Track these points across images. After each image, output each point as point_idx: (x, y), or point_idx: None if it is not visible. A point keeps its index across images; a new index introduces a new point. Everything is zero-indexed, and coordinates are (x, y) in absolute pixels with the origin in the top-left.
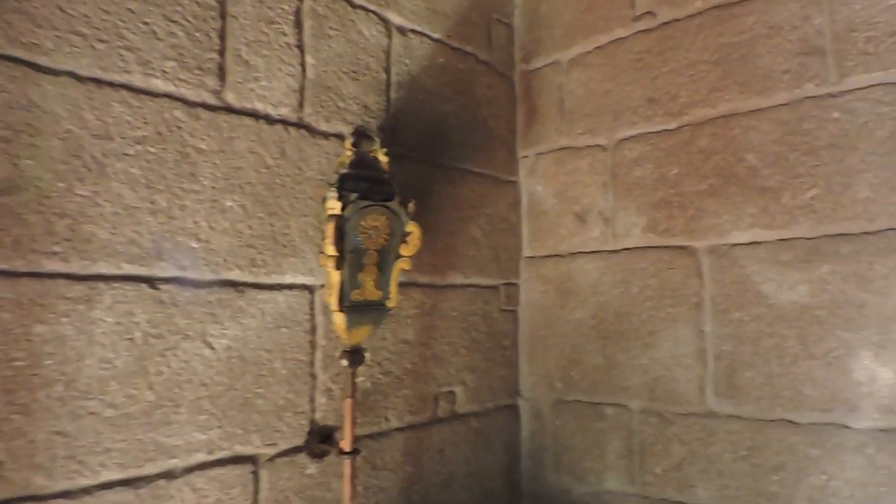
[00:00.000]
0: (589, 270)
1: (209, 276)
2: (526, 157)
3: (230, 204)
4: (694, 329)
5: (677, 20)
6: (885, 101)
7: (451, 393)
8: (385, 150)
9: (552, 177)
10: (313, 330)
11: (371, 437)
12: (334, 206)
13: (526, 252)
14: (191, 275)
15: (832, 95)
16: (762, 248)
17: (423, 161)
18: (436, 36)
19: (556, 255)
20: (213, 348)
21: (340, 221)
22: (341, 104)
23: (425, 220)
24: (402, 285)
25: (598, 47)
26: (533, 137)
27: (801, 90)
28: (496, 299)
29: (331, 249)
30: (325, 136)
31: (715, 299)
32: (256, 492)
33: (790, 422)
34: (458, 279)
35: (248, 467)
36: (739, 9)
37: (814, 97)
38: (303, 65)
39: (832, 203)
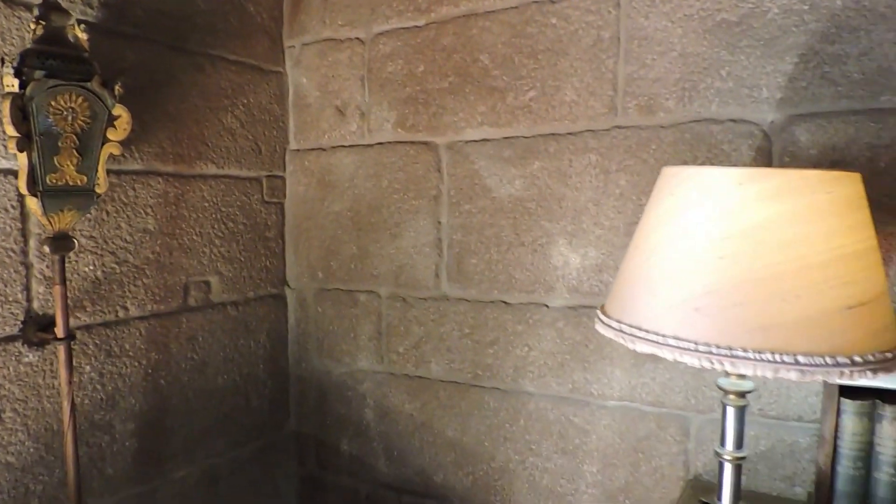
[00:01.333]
0: (347, 164)
1: None
2: (292, 47)
3: None
4: (433, 220)
5: None
6: (592, 10)
7: (206, 283)
8: (84, 25)
9: (315, 69)
10: (24, 217)
11: (106, 325)
12: (11, 84)
13: (292, 145)
14: None
15: (552, 1)
16: (489, 146)
17: (163, 44)
18: None
19: (319, 149)
20: None
21: (21, 100)
22: None
23: (164, 107)
24: (137, 173)
25: None
26: (298, 27)
27: None
28: (258, 191)
29: (10, 130)
30: (27, 7)
31: (450, 192)
32: None
33: (504, 302)
34: (209, 170)
35: None
36: None
37: (538, 2)
38: None
39: (545, 104)
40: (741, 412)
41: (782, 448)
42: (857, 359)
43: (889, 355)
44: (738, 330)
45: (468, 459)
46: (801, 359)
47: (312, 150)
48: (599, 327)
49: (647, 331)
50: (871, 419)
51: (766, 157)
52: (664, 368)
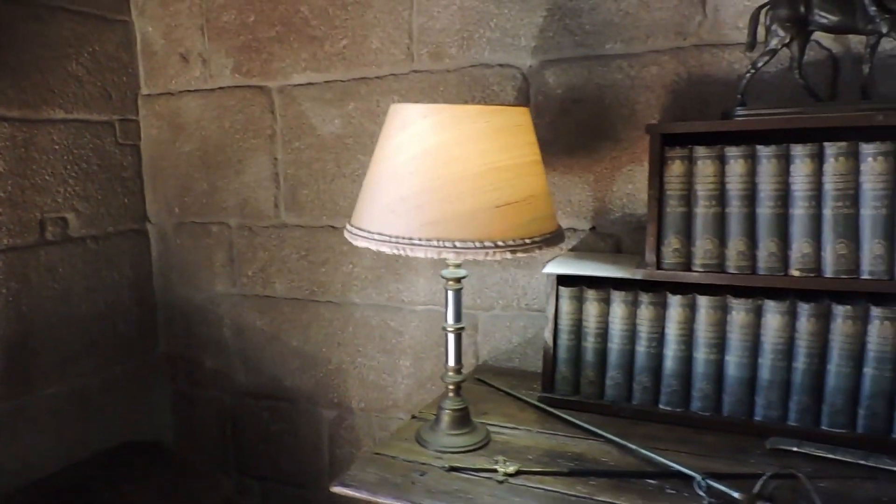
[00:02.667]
0: (193, 108)
1: None
2: None
3: None
4: (270, 157)
5: None
6: None
7: (62, 219)
8: None
9: (160, 18)
10: None
11: None
12: None
13: (143, 90)
14: None
15: None
16: (313, 89)
17: None
18: None
19: (168, 94)
20: None
21: None
22: None
23: (3, 58)
24: None
25: None
26: None
27: None
28: (111, 134)
29: None
30: None
31: (283, 132)
32: None
33: (332, 227)
34: (57, 115)
35: None
36: None
37: None
38: None
39: (356, 52)
40: (458, 294)
41: (542, 334)
42: (500, 243)
43: (527, 241)
44: (416, 224)
45: (310, 364)
46: (457, 244)
47: (162, 94)
48: (345, 233)
49: (363, 230)
50: (580, 301)
51: (525, 95)
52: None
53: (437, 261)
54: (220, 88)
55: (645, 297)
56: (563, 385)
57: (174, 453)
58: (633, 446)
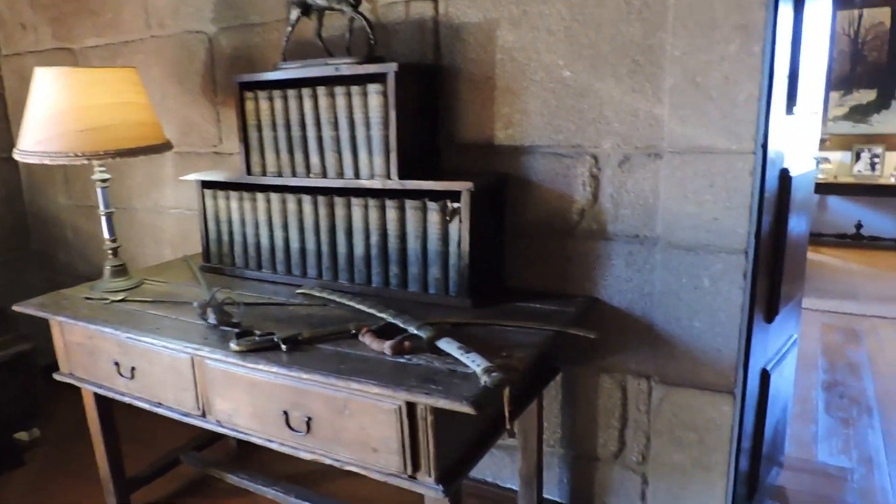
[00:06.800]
0: (32, 65)
1: None
2: None
3: None
4: None
5: None
6: None
7: None
8: None
9: None
10: None
11: None
12: None
13: (3, 51)
14: None
15: None
16: (98, 50)
17: None
18: None
19: (17, 54)
20: None
21: None
22: None
23: None
24: None
25: None
26: None
27: None
28: None
29: None
30: None
31: None
32: None
33: None
34: None
35: None
36: None
37: None
38: None
39: (118, 22)
40: (104, 190)
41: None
42: (74, 154)
43: (124, 150)
44: (59, 143)
45: None
46: (49, 151)
47: (14, 55)
48: (14, 154)
49: (28, 150)
50: (215, 199)
51: (210, 53)
52: (183, 187)
53: (181, 177)
54: (46, 50)
55: (246, 196)
56: (214, 258)
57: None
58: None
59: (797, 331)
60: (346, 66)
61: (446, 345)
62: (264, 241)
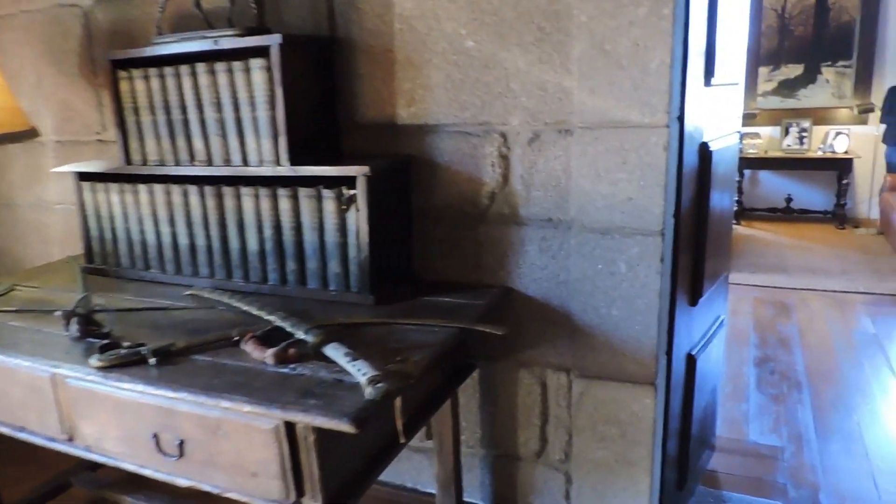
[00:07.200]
0: None
1: None
2: None
3: None
4: None
5: None
6: None
7: None
8: None
9: None
10: None
11: None
12: None
13: None
14: None
15: None
16: None
17: None
18: None
19: None
20: None
21: None
22: None
23: None
24: None
25: None
26: None
27: None
28: None
29: None
30: None
31: None
32: None
33: None
34: None
35: None
36: None
37: None
38: None
39: None
40: None
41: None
42: None
43: None
44: None
45: (2, 253)
46: None
47: None
48: None
49: None
50: (94, 193)
51: (87, 28)
52: (66, 180)
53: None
54: None
55: (127, 188)
56: (98, 258)
57: None
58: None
59: (725, 310)
60: (226, 39)
61: (333, 351)
62: (150, 237)
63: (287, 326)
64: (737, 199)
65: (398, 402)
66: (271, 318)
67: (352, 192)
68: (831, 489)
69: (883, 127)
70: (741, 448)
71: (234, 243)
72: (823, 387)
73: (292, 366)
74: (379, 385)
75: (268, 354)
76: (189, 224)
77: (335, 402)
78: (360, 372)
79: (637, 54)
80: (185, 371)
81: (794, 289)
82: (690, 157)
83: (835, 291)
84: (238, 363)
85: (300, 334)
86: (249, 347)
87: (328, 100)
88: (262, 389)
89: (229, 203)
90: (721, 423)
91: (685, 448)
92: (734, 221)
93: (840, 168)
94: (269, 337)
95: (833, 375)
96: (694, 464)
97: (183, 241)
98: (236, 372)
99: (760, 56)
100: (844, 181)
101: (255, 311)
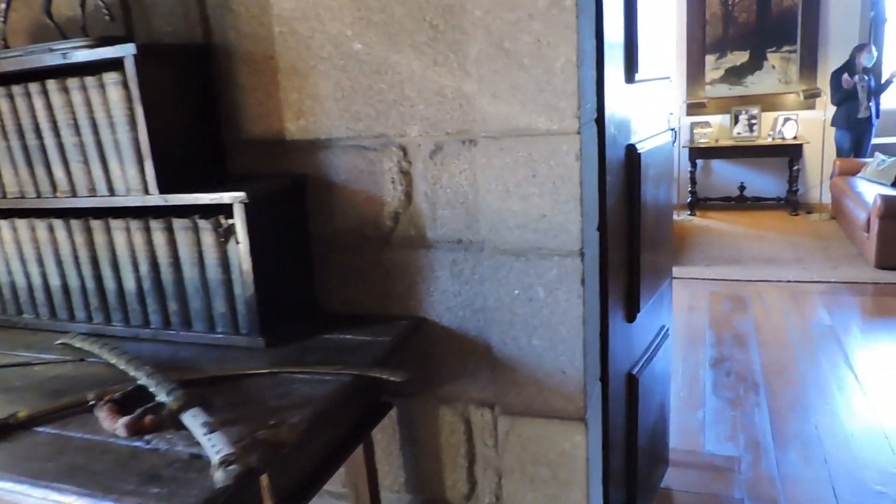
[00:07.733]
0: None
1: None
2: None
3: None
4: None
5: None
6: None
7: None
8: None
9: None
10: None
11: None
12: None
13: None
14: None
15: None
16: None
17: None
18: None
19: None
20: None
21: None
22: None
23: None
24: None
25: None
26: None
27: None
28: None
29: None
30: None
31: None
32: None
33: None
34: None
35: None
36: None
37: None
38: None
39: None
40: None
41: None
42: None
43: None
44: None
45: None
46: None
47: None
48: None
49: None
50: None
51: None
52: None
53: None
54: None
55: None
56: None
57: None
58: None
59: (669, 318)
60: (77, 52)
61: (191, 420)
62: (19, 279)
63: (151, 385)
64: (690, 189)
65: (264, 480)
66: (137, 374)
67: (230, 221)
68: (790, 501)
69: (831, 110)
70: (697, 461)
71: (109, 283)
72: (780, 387)
73: (147, 437)
74: (231, 467)
75: (118, 425)
76: (59, 263)
77: (182, 489)
78: (214, 448)
79: (540, 52)
80: (19, 451)
81: (750, 280)
82: (615, 162)
83: (790, 282)
84: (86, 436)
85: (162, 396)
86: (102, 415)
87: (207, 116)
88: (101, 474)
89: (99, 238)
90: (676, 433)
91: (632, 472)
92: (689, 213)
93: (790, 154)
94: (129, 399)
95: (790, 374)
96: (644, 485)
97: (54, 282)
98: (80, 449)
99: (706, 44)
100: (795, 167)
101: (122, 366)
